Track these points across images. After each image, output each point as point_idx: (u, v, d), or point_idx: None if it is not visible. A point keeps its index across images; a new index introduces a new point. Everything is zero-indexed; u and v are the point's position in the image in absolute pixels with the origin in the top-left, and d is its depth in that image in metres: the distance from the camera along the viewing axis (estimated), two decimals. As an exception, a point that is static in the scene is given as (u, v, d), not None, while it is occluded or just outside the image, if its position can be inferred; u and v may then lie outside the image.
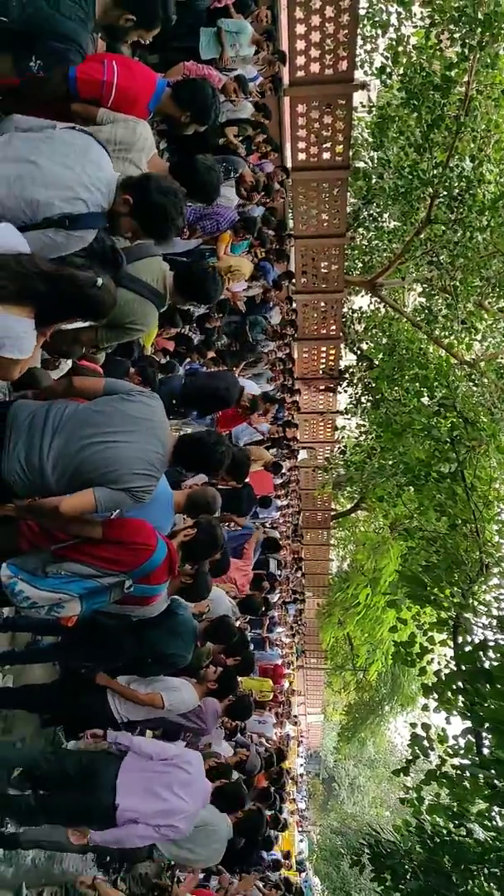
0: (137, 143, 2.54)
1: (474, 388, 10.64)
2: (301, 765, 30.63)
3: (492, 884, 4.10)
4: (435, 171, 10.01)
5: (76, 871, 4.29)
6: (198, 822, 3.31)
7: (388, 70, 10.09)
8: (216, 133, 5.08)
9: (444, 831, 4.45)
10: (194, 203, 3.59)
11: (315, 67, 8.26)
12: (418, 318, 13.38)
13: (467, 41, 8.74)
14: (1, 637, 3.64)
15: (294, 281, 10.41)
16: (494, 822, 4.42)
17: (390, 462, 9.63)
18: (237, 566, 6.03)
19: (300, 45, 8.07)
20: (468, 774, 4.39)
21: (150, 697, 3.47)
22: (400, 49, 9.91)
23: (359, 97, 10.62)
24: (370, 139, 11.89)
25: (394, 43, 10.00)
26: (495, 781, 3.99)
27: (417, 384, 9.21)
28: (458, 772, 4.54)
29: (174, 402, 3.84)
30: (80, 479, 2.23)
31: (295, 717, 20.68)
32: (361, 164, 12.18)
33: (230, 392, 3.67)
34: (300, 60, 8.20)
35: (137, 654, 3.31)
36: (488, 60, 9.37)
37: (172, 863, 5.45)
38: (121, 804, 2.99)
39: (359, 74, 9.62)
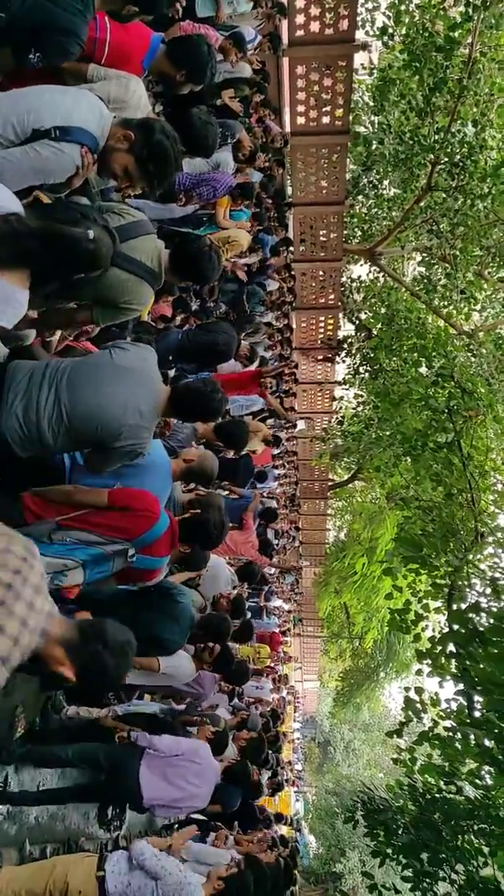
0: (132, 101, 2.48)
1: (472, 359, 10.60)
2: (297, 729, 31.37)
3: (480, 839, 4.25)
4: (436, 137, 9.80)
5: (78, 829, 4.42)
6: None
7: (390, 30, 9.80)
8: (213, 94, 4.96)
9: (436, 789, 4.59)
10: (192, 157, 3.52)
11: (315, 26, 8.03)
12: (417, 288, 13.26)
13: (471, 0, 8.47)
14: None
15: (292, 249, 10.27)
16: (484, 781, 4.55)
17: (388, 432, 9.64)
18: (242, 539, 6.09)
19: (300, 2, 7.82)
20: (459, 735, 4.51)
21: (148, 661, 3.56)
22: (402, 8, 9.60)
23: (359, 59, 10.32)
24: (371, 103, 11.60)
25: (396, 1, 9.69)
26: (485, 741, 4.10)
27: (416, 354, 9.17)
28: (450, 733, 4.66)
29: (170, 358, 3.82)
30: (75, 437, 2.24)
31: (291, 686, 21.06)
32: (361, 129, 11.91)
33: (229, 345, 3.63)
34: (300, 19, 7.96)
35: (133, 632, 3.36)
36: (493, 21, 9.07)
37: (171, 821, 5.63)
38: (145, 794, 3.52)
39: (360, 35, 9.34)
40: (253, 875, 3.28)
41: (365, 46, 9.09)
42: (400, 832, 4.36)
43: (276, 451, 9.71)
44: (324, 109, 8.86)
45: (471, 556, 5.90)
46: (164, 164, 2.20)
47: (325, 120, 8.98)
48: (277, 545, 10.93)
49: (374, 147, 11.11)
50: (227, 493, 6.26)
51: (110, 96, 2.39)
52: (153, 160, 2.19)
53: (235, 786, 4.50)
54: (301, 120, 8.95)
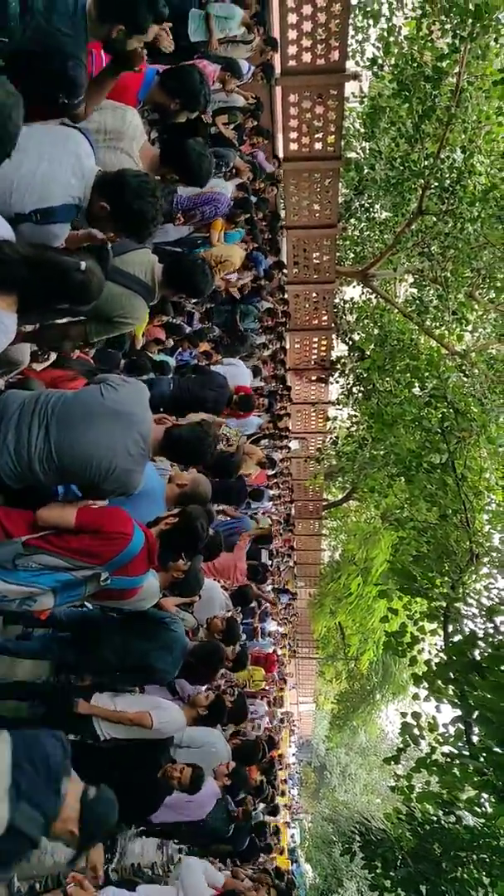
0: (128, 132, 2.50)
1: (465, 379, 10.68)
2: (293, 753, 30.88)
3: (480, 869, 4.16)
4: (426, 162, 10.01)
5: (67, 863, 4.30)
6: (197, 744, 3.96)
7: (380, 61, 10.04)
8: (206, 124, 5.03)
9: (434, 818, 4.51)
10: (185, 186, 3.56)
11: (307, 57, 8.21)
12: (410, 309, 13.40)
13: (458, 32, 8.70)
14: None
15: (285, 271, 10.37)
16: (483, 809, 4.47)
17: (382, 452, 9.66)
18: (232, 560, 6.01)
19: (292, 34, 8.00)
20: (458, 762, 4.45)
21: (139, 717, 3.40)
22: (391, 39, 9.86)
23: (350, 87, 10.56)
24: (362, 130, 11.85)
25: (385, 33, 9.95)
26: (484, 769, 4.04)
27: (409, 375, 9.24)
28: (448, 760, 4.58)
29: (161, 409, 3.85)
30: (64, 476, 2.23)
31: (287, 712, 20.78)
32: (353, 155, 12.15)
33: (219, 401, 3.73)
34: (292, 50, 8.14)
35: (123, 662, 3.29)
36: (479, 51, 9.34)
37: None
38: (154, 819, 3.78)
39: (350, 65, 9.56)
40: None
41: (356, 76, 9.29)
42: (398, 864, 4.27)
43: (270, 472, 9.69)
44: (316, 136, 9.03)
45: (465, 578, 5.87)
46: (144, 227, 2.17)
47: (318, 146, 9.15)
48: (271, 565, 10.84)
49: (365, 172, 11.32)
50: (220, 516, 6.20)
51: (106, 127, 2.40)
52: (133, 226, 2.17)
53: (236, 788, 4.52)
54: (294, 146, 9.11)
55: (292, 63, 8.24)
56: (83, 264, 1.89)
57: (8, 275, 1.78)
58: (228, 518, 6.27)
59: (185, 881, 3.11)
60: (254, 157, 6.83)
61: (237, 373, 6.25)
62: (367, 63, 10.36)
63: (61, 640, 3.39)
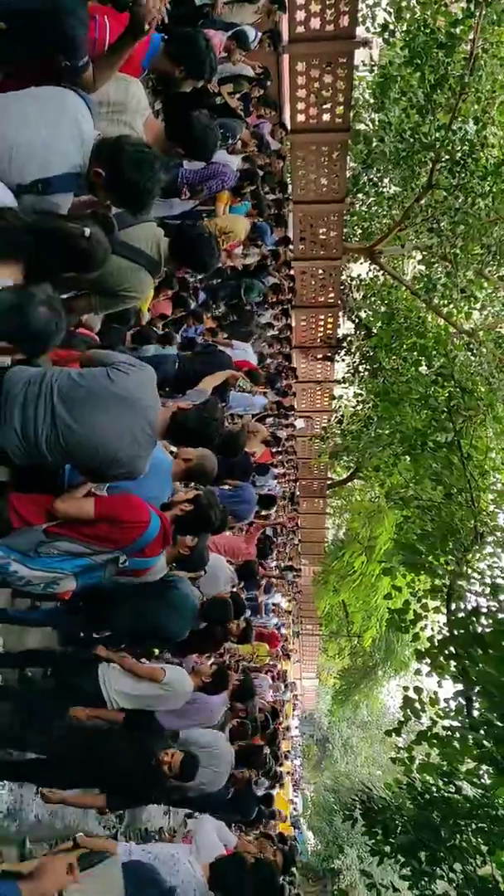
0: (131, 104, 2.46)
1: (472, 358, 10.58)
2: (296, 726, 31.42)
3: (479, 838, 4.26)
4: (437, 134, 9.79)
5: (76, 825, 4.42)
6: (200, 745, 3.91)
7: (391, 27, 9.77)
8: (211, 93, 4.94)
9: (434, 789, 4.60)
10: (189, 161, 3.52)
11: (315, 23, 8.01)
12: (417, 287, 13.25)
13: (473, -5, 8.46)
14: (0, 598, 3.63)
15: (292, 247, 10.25)
16: (482, 780, 4.55)
17: (387, 431, 9.64)
18: (242, 548, 6.07)
19: (300, -2, 7.81)
20: (458, 735, 4.52)
21: (152, 670, 3.49)
22: (403, 4, 9.58)
23: (360, 55, 10.30)
24: (371, 100, 11.59)
25: (397, -3, 9.67)
26: (484, 742, 4.10)
27: (416, 353, 9.16)
28: (449, 733, 4.66)
29: (167, 389, 3.86)
30: (70, 459, 2.25)
31: (292, 683, 21.06)
32: (362, 127, 11.89)
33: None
34: (300, 15, 7.94)
35: (134, 625, 3.34)
36: (495, 17, 9.06)
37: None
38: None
39: (360, 31, 9.31)
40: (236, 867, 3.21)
41: (366, 43, 9.07)
42: (398, 831, 4.37)
43: (275, 450, 9.69)
44: (324, 107, 8.84)
45: (470, 556, 5.90)
46: (139, 198, 2.11)
47: (326, 117, 8.97)
48: (277, 542, 10.91)
49: (374, 145, 11.08)
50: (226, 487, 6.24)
51: (110, 99, 2.35)
52: (127, 197, 2.12)
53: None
54: (301, 117, 8.93)
55: (300, 29, 8.04)
56: (87, 231, 1.87)
57: (12, 243, 1.76)
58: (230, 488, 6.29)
59: (198, 838, 3.17)
60: (259, 128, 6.71)
61: (243, 355, 6.24)
62: (378, 29, 10.08)
63: (70, 612, 3.44)
